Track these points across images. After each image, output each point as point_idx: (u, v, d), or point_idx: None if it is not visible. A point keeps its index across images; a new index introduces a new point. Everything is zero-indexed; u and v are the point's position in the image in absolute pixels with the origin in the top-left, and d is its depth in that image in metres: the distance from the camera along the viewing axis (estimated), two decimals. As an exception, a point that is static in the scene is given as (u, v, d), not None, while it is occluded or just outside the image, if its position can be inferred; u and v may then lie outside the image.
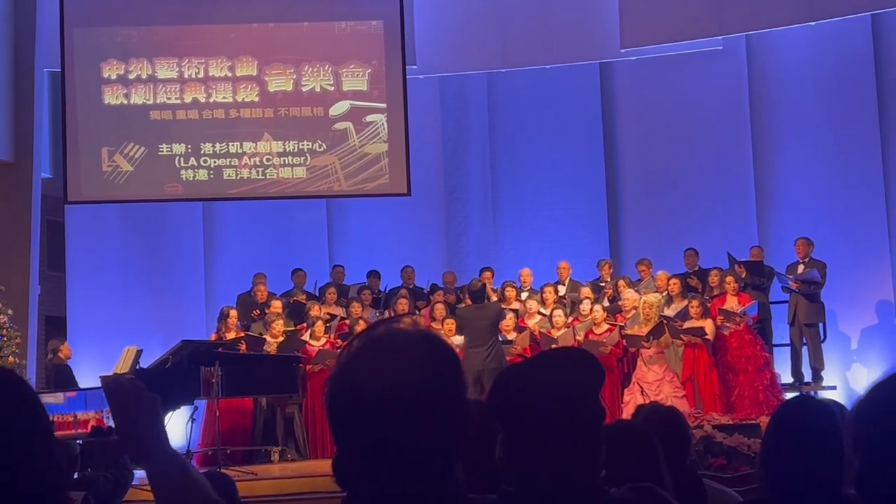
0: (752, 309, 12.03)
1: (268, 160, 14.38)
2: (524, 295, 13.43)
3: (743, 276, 12.68)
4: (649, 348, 11.52)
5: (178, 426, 11.05)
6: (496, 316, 11.97)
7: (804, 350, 12.96)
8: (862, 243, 14.17)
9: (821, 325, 12.98)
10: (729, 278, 12.34)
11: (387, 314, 12.87)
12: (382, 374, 1.69)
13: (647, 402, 9.91)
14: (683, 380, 11.61)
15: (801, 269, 12.98)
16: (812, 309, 12.80)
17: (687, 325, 11.73)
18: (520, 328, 12.55)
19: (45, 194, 14.09)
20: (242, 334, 12.39)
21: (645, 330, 11.56)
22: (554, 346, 11.44)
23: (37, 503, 1.78)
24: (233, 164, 14.34)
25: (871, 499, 1.69)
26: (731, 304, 12.08)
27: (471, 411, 1.75)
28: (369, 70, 14.54)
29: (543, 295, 13.09)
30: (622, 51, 15.25)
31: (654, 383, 11.41)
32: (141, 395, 1.90)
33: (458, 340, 11.98)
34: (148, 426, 1.89)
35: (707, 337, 11.60)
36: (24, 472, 1.76)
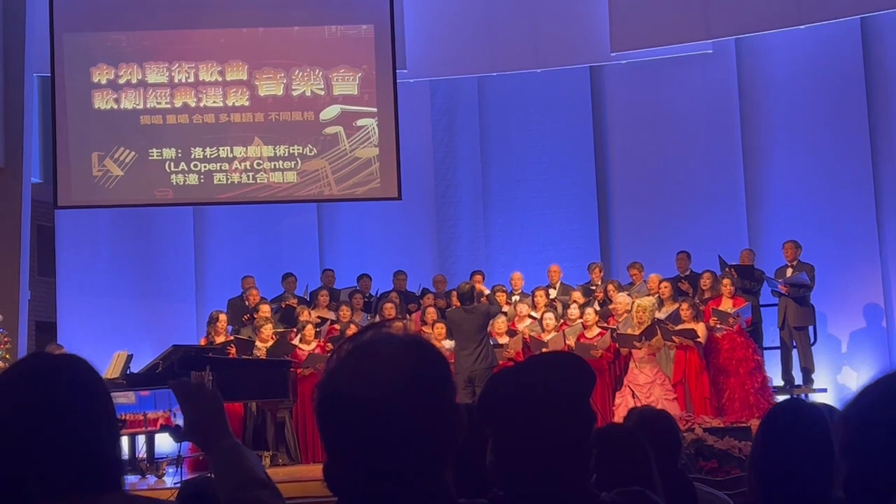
0: (745, 311, 12.01)
1: (258, 164, 14.38)
2: (515, 298, 13.43)
3: (734, 279, 12.67)
4: (640, 349, 11.52)
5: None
6: (485, 317, 11.97)
7: (794, 353, 12.98)
8: (852, 246, 14.20)
9: (811, 328, 12.99)
10: (726, 281, 12.32)
11: (377, 318, 12.86)
12: (371, 380, 1.69)
13: (639, 404, 9.94)
14: (675, 382, 11.62)
15: (789, 272, 12.99)
16: (801, 312, 12.81)
17: (678, 327, 11.73)
18: (511, 332, 12.55)
19: (35, 199, 14.06)
20: (232, 338, 12.38)
21: (637, 331, 11.57)
22: (544, 349, 11.44)
23: (95, 482, 1.92)
24: (223, 168, 14.33)
25: (858, 502, 1.69)
26: (726, 306, 12.07)
27: (460, 416, 1.75)
28: (360, 74, 14.54)
29: (534, 298, 13.09)
30: (612, 54, 15.27)
31: (645, 386, 11.42)
32: (205, 392, 2.16)
33: (448, 345, 11.99)
34: (212, 418, 2.12)
35: (699, 339, 11.60)
36: (85, 452, 1.91)
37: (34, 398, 1.91)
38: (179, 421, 2.16)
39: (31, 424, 1.89)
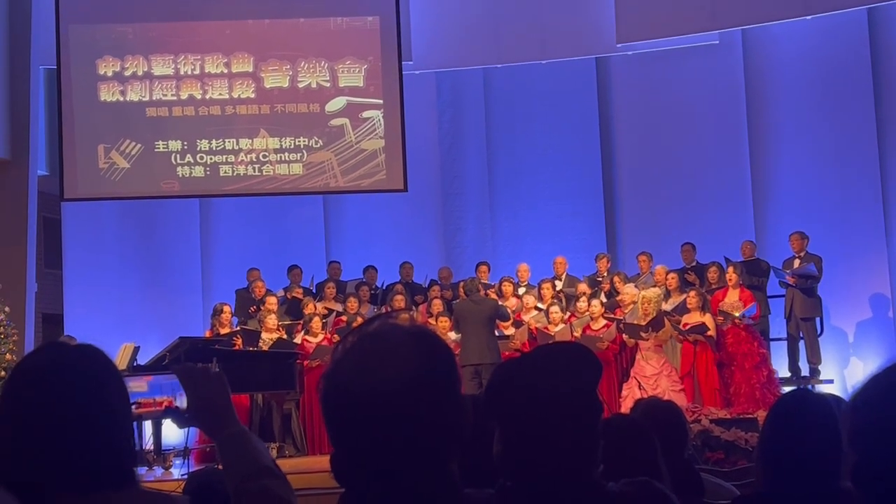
0: (751, 310, 11.96)
1: (264, 156, 14.38)
2: (521, 290, 13.43)
3: (740, 272, 12.62)
4: (647, 340, 11.51)
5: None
6: (493, 310, 11.98)
7: (801, 344, 12.96)
8: (858, 237, 14.18)
9: (817, 319, 12.97)
10: (730, 269, 12.28)
11: (384, 310, 12.87)
12: (376, 371, 1.69)
13: (645, 396, 9.93)
14: (683, 374, 11.60)
15: (797, 263, 12.97)
16: (808, 303, 12.78)
17: (686, 318, 11.71)
18: (517, 323, 12.56)
19: (41, 191, 14.06)
20: (239, 328, 12.40)
21: (644, 322, 11.55)
22: (551, 341, 11.42)
23: (110, 476, 1.89)
24: (229, 160, 14.34)
25: (866, 491, 1.69)
26: (733, 298, 12.01)
27: (465, 407, 1.75)
28: (365, 66, 14.53)
29: (541, 290, 13.09)
30: (618, 45, 15.25)
31: (651, 377, 11.41)
32: (209, 375, 2.11)
33: (453, 336, 11.99)
34: (219, 402, 2.09)
35: (710, 333, 11.55)
36: (100, 445, 1.88)
37: (47, 390, 1.88)
38: (179, 403, 2.12)
39: (49, 416, 1.85)
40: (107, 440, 1.89)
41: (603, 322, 12.21)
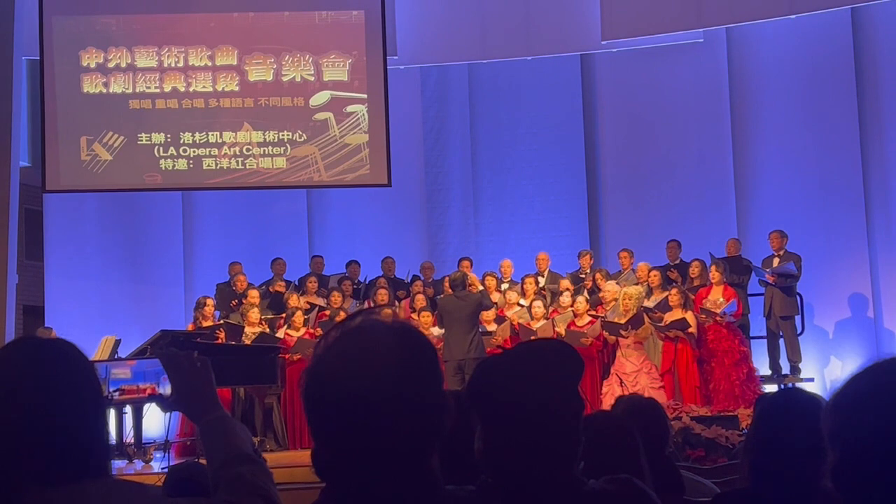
0: (731, 307, 11.99)
1: (248, 150, 14.33)
2: (504, 286, 13.43)
3: (723, 270, 12.64)
4: (627, 338, 11.53)
5: (157, 416, 11.04)
6: (477, 305, 11.96)
7: (781, 342, 13.00)
8: (840, 236, 14.24)
9: (797, 317, 13.01)
10: (713, 267, 12.30)
11: (366, 305, 12.85)
12: (358, 367, 1.68)
13: (626, 393, 9.94)
14: (662, 372, 11.63)
15: (776, 262, 13.00)
16: (787, 302, 12.82)
17: (668, 316, 11.74)
18: (499, 319, 12.55)
19: (23, 183, 14.00)
20: (222, 322, 12.36)
21: (623, 320, 11.57)
22: (533, 337, 11.43)
23: (84, 467, 1.90)
24: (212, 153, 14.29)
25: (846, 491, 1.69)
26: (716, 295, 12.05)
27: (447, 403, 1.74)
28: (350, 60, 14.50)
29: (524, 286, 13.09)
30: (603, 43, 15.26)
31: (631, 374, 11.43)
32: (194, 361, 2.14)
33: (436, 332, 11.98)
34: (203, 387, 2.12)
35: (690, 330, 11.58)
36: (73, 438, 1.90)
37: (20, 384, 1.89)
38: (162, 390, 2.13)
39: (17, 410, 1.87)
40: (75, 433, 1.90)
41: (588, 318, 12.23)
